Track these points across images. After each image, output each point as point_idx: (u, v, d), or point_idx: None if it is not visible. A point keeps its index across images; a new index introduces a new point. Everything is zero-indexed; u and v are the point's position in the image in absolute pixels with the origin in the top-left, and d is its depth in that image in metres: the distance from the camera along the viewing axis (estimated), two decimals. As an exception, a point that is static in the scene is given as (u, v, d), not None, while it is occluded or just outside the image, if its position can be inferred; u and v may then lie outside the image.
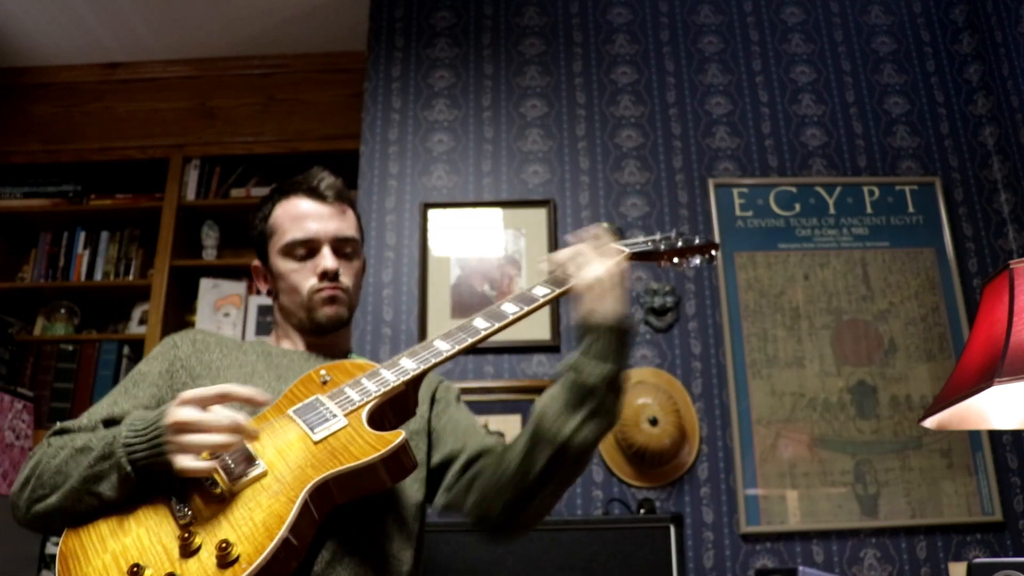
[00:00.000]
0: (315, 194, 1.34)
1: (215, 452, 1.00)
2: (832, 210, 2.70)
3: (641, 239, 1.38)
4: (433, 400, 1.38)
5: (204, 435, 0.98)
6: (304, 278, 1.30)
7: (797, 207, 2.70)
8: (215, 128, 3.40)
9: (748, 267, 2.62)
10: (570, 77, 2.88)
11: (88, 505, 1.01)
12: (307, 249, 1.31)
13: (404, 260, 2.66)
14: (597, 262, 1.20)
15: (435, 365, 1.14)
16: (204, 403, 1.00)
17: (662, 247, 1.38)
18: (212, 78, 3.48)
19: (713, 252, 1.41)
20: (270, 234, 1.34)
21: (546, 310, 2.56)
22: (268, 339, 1.40)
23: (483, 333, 1.17)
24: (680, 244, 1.39)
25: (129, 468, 0.99)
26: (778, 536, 2.37)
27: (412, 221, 2.70)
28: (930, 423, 1.57)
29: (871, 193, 2.72)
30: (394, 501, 1.22)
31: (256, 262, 1.39)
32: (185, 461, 0.98)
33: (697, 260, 1.40)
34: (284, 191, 1.36)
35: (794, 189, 2.72)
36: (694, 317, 2.59)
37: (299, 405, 1.12)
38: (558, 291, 1.22)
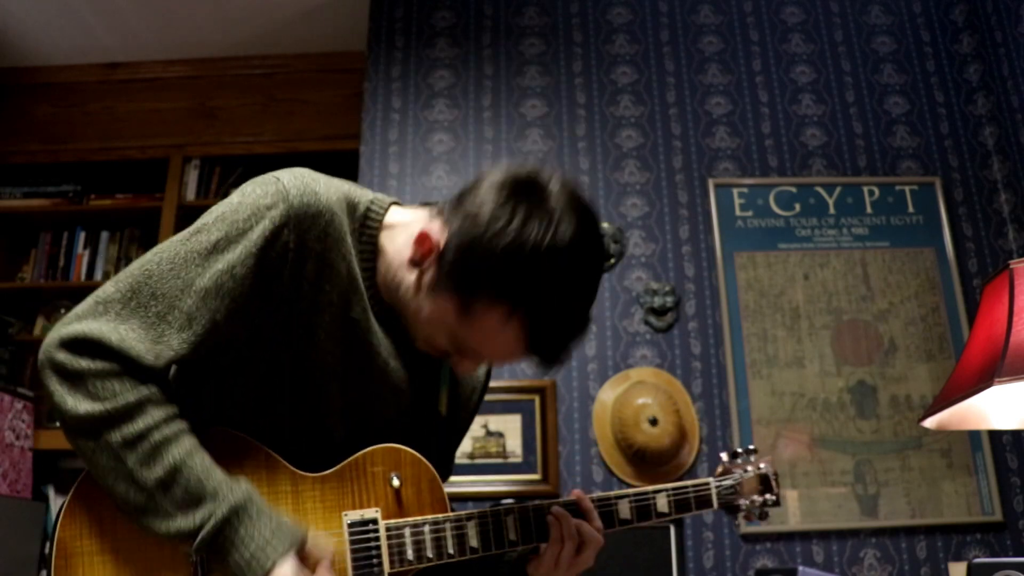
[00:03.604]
0: (544, 359, 1.00)
1: None
2: (832, 210, 2.69)
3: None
4: (485, 384, 1.37)
5: None
6: (442, 339, 1.04)
7: (797, 207, 2.70)
8: (215, 128, 3.40)
9: (748, 267, 2.62)
10: (570, 77, 2.88)
11: (127, 500, 0.93)
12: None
13: (404, 260, 2.66)
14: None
15: (497, 553, 1.12)
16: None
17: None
18: (212, 78, 3.48)
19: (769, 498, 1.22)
20: (466, 303, 0.96)
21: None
22: (377, 276, 1.07)
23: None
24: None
25: (201, 553, 0.93)
26: (778, 536, 2.37)
27: (412, 221, 2.70)
28: (930, 423, 1.57)
29: (871, 193, 2.72)
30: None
31: (437, 235, 0.98)
32: None
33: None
34: (535, 303, 0.94)
35: (794, 189, 2.72)
36: (694, 317, 2.59)
37: (354, 520, 1.03)
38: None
